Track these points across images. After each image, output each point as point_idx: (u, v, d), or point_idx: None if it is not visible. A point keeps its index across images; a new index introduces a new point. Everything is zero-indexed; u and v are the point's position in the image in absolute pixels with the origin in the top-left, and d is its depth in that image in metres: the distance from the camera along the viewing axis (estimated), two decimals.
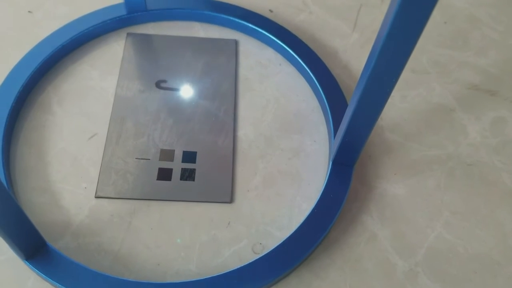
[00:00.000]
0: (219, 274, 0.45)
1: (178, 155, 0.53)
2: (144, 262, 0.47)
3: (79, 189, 0.51)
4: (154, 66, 0.60)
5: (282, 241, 0.47)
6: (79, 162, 0.52)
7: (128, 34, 0.63)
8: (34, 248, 0.44)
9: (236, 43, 0.63)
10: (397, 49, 0.37)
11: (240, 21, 0.63)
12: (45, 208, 0.49)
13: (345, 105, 0.56)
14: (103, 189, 0.50)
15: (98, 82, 0.58)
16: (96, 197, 0.50)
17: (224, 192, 0.51)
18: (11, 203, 0.38)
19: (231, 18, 0.64)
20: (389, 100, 0.48)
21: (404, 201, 0.53)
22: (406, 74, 0.62)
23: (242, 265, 0.46)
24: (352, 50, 0.64)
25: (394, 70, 0.39)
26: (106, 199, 0.50)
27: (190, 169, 0.52)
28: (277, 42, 0.62)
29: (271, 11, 0.68)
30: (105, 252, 0.47)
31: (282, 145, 0.55)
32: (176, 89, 0.58)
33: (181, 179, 0.52)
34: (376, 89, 0.42)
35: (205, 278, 0.45)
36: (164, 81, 0.59)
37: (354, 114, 0.45)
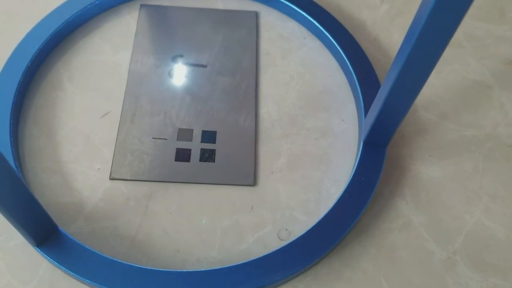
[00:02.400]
0: (244, 262, 0.42)
1: (197, 134, 0.50)
2: (162, 248, 0.44)
3: (93, 170, 0.47)
4: (170, 40, 0.56)
5: (310, 227, 0.44)
6: (92, 142, 0.49)
7: (142, 6, 0.59)
8: (45, 233, 0.41)
9: (256, 15, 0.59)
10: (446, 16, 0.33)
11: None
12: (56, 191, 0.46)
13: (376, 81, 0.52)
14: (118, 170, 0.47)
15: (111, 57, 0.55)
16: (111, 178, 0.47)
17: (247, 174, 0.48)
18: (19, 186, 0.35)
19: None
20: None
21: (440, 184, 0.49)
22: None
23: (268, 253, 0.42)
24: (381, 22, 0.60)
25: (441, 41, 0.36)
26: (121, 181, 0.47)
27: (210, 150, 0.49)
28: (301, 14, 0.57)
29: None
30: (121, 237, 0.44)
31: (308, 124, 0.52)
32: (193, 64, 0.55)
33: (200, 160, 0.48)
34: (419, 63, 0.38)
35: (229, 266, 0.41)
36: (181, 56, 0.55)
37: (392, 90, 0.41)
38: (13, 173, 0.34)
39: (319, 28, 0.56)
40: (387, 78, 0.42)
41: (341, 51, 0.54)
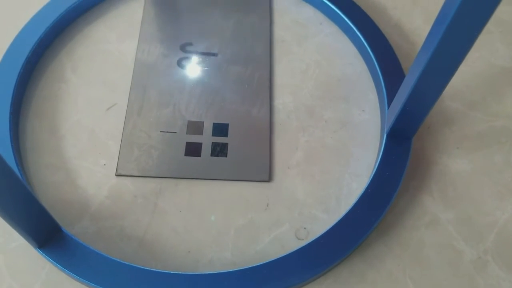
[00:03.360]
0: (260, 264, 0.39)
1: (208, 127, 0.47)
2: (172, 249, 0.41)
3: (98, 166, 0.45)
4: (178, 27, 0.53)
5: (330, 226, 0.41)
6: (97, 136, 0.46)
7: None
8: (47, 234, 0.39)
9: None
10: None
11: None
12: (60, 188, 0.43)
13: (399, 68, 0.48)
14: (125, 166, 0.44)
15: (116, 46, 0.52)
16: (117, 175, 0.44)
17: (261, 170, 0.45)
18: (18, 185, 0.32)
19: None
20: None
21: (469, 178, 0.46)
22: None
23: (286, 254, 0.40)
24: (402, 6, 0.56)
25: (475, 25, 0.33)
26: (128, 178, 0.44)
27: (222, 144, 0.46)
28: None
29: None
30: (128, 238, 0.41)
31: (326, 115, 0.48)
32: (203, 53, 0.51)
33: (212, 155, 0.45)
34: (450, 50, 0.35)
35: (244, 269, 0.39)
36: (190, 44, 0.52)
37: (420, 79, 0.38)
38: (11, 171, 0.31)
39: (337, 12, 0.53)
40: (414, 66, 0.39)
41: (361, 36, 0.50)
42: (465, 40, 0.34)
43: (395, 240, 0.42)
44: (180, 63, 0.51)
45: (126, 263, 0.38)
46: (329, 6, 0.53)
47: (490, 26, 0.56)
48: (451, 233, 0.43)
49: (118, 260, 0.39)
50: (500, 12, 0.57)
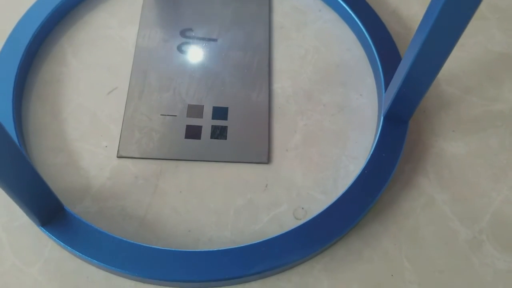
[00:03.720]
0: (259, 241, 0.40)
1: (208, 111, 0.48)
2: (173, 228, 0.42)
3: (99, 148, 0.45)
4: (178, 13, 0.54)
5: (328, 205, 0.42)
6: (98, 119, 0.47)
7: None
8: (51, 213, 0.40)
9: None
10: None
11: None
12: (62, 170, 0.44)
13: (396, 54, 0.49)
14: (126, 148, 0.45)
15: (117, 31, 0.52)
16: (118, 157, 0.45)
17: (260, 152, 0.46)
18: (23, 162, 0.33)
19: None
20: None
21: (465, 161, 0.46)
22: None
23: (284, 232, 0.40)
24: None
25: (466, 10, 0.33)
26: (130, 159, 0.45)
27: (222, 127, 0.47)
28: None
29: None
30: (130, 217, 0.42)
31: (324, 99, 0.49)
32: (203, 39, 0.52)
33: (211, 138, 0.46)
34: (443, 34, 0.36)
35: (243, 246, 0.39)
36: (190, 30, 0.53)
37: (415, 63, 0.38)
38: (16, 148, 0.32)
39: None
40: (409, 50, 0.40)
41: (359, 23, 0.51)
42: (457, 24, 0.35)
43: (391, 220, 0.43)
44: (180, 48, 0.51)
45: (128, 240, 0.39)
46: None
47: (487, 12, 0.56)
48: (447, 213, 0.44)
49: (120, 237, 0.39)
50: None
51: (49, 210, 0.39)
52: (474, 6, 0.33)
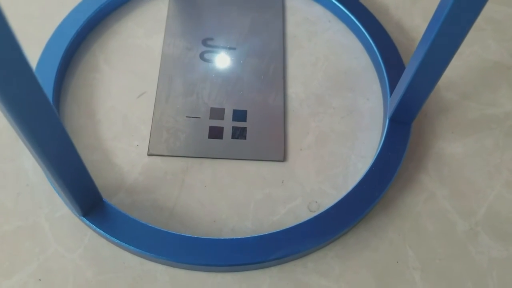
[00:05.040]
0: (277, 231, 0.44)
1: (228, 113, 0.52)
2: (199, 219, 0.46)
3: (131, 146, 0.50)
4: (200, 23, 0.59)
5: (338, 199, 0.46)
6: (130, 120, 0.51)
7: None
8: (91, 204, 0.44)
9: None
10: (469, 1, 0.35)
11: None
12: (98, 166, 0.49)
13: (400, 62, 0.54)
14: (155, 146, 0.50)
15: (144, 40, 0.57)
16: (149, 154, 0.49)
17: (277, 151, 0.50)
18: (74, 155, 0.37)
19: None
20: None
21: (462, 160, 0.51)
22: None
23: (299, 223, 0.45)
24: (404, 6, 0.62)
25: (464, 25, 0.38)
26: (159, 157, 0.49)
27: (241, 128, 0.51)
28: None
29: None
30: (160, 209, 0.47)
31: (334, 103, 0.54)
32: (223, 47, 0.57)
33: (232, 138, 0.51)
34: (443, 46, 0.40)
35: (263, 235, 0.44)
36: (211, 39, 0.57)
37: (418, 71, 0.43)
38: (70, 143, 0.36)
39: (344, 11, 0.58)
40: (412, 59, 0.44)
41: (366, 33, 0.56)
42: (456, 37, 0.39)
43: (396, 212, 0.48)
44: (202, 56, 0.56)
45: (161, 228, 0.44)
46: (337, 6, 0.58)
47: (483, 24, 0.61)
48: (446, 207, 0.48)
49: (152, 225, 0.44)
50: (492, 11, 0.62)
51: (90, 201, 0.44)
52: (472, 20, 0.38)
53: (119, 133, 0.51)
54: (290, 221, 0.47)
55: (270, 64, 0.56)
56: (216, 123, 0.52)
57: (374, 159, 0.48)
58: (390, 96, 0.51)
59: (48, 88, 0.51)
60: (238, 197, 0.48)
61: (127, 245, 0.43)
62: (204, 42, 0.57)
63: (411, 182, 0.49)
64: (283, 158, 0.50)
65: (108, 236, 0.44)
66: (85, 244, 0.45)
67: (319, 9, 0.61)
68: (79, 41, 0.56)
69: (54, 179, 0.37)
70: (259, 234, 0.44)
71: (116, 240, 0.43)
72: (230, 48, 0.57)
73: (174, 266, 0.44)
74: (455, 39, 0.40)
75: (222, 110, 0.52)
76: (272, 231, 0.44)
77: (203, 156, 0.50)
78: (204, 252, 0.43)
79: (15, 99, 0.28)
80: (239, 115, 0.52)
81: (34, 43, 0.53)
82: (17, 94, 0.28)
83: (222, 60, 0.56)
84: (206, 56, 0.56)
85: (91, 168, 0.49)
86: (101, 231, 0.44)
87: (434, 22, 0.39)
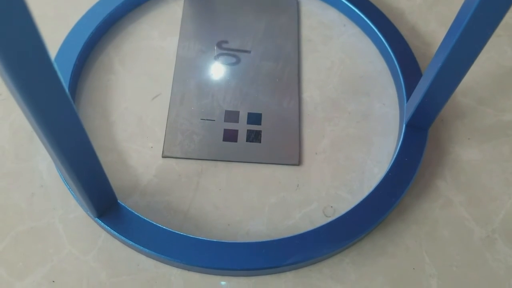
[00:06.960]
0: (292, 235, 0.44)
1: (243, 116, 0.52)
2: (214, 222, 0.46)
3: (146, 148, 0.50)
4: (215, 26, 0.59)
5: (355, 204, 0.46)
6: (144, 122, 0.51)
7: None
8: (106, 205, 0.44)
9: (297, 3, 0.61)
10: (492, 7, 0.35)
11: None
12: (112, 167, 0.49)
13: (416, 66, 0.53)
14: (170, 149, 0.49)
15: (159, 42, 0.57)
16: (163, 156, 0.49)
17: (292, 154, 0.50)
18: (92, 156, 0.37)
19: None
20: None
21: (479, 166, 0.50)
22: None
23: (315, 228, 0.44)
24: (419, 10, 0.61)
25: (485, 32, 0.38)
26: (173, 159, 0.49)
27: (256, 131, 0.51)
28: (341, 2, 0.59)
29: None
30: (175, 211, 0.46)
31: (350, 108, 0.53)
32: (238, 50, 0.57)
33: (247, 141, 0.50)
34: (463, 52, 0.40)
35: (279, 239, 0.44)
36: (226, 42, 0.57)
37: (437, 77, 0.42)
38: (89, 145, 0.36)
39: (359, 15, 0.58)
40: (431, 65, 0.44)
41: (381, 37, 0.55)
42: (476, 43, 0.39)
43: (412, 219, 0.47)
44: (217, 59, 0.56)
45: (175, 231, 0.43)
46: (353, 10, 0.58)
47: (499, 30, 0.60)
48: (463, 214, 0.48)
49: (167, 228, 0.44)
50: (507, 17, 0.62)
51: (105, 202, 0.44)
52: (493, 27, 0.37)
53: (133, 135, 0.50)
54: (305, 226, 0.46)
55: (285, 68, 0.55)
56: (231, 126, 0.51)
57: (391, 164, 0.48)
58: (406, 101, 0.51)
59: None
60: (252, 200, 0.47)
61: (141, 247, 0.43)
62: (219, 44, 0.57)
63: (427, 188, 0.49)
64: (298, 162, 0.50)
65: (123, 238, 0.43)
66: (99, 246, 0.45)
67: (334, 13, 0.60)
68: (93, 43, 0.56)
69: (71, 179, 0.37)
70: (275, 239, 0.43)
71: (131, 242, 0.43)
72: (245, 51, 0.57)
73: (188, 270, 0.44)
74: (475, 46, 0.39)
75: (237, 113, 0.52)
76: (288, 236, 0.44)
77: (218, 159, 0.49)
78: (218, 256, 0.43)
79: (35, 96, 0.28)
80: (254, 118, 0.52)
81: (48, 44, 0.52)
82: (38, 90, 0.28)
83: (237, 63, 0.56)
84: (220, 58, 0.56)
85: (105, 169, 0.48)
86: (116, 233, 0.43)
87: (454, 29, 0.39)
